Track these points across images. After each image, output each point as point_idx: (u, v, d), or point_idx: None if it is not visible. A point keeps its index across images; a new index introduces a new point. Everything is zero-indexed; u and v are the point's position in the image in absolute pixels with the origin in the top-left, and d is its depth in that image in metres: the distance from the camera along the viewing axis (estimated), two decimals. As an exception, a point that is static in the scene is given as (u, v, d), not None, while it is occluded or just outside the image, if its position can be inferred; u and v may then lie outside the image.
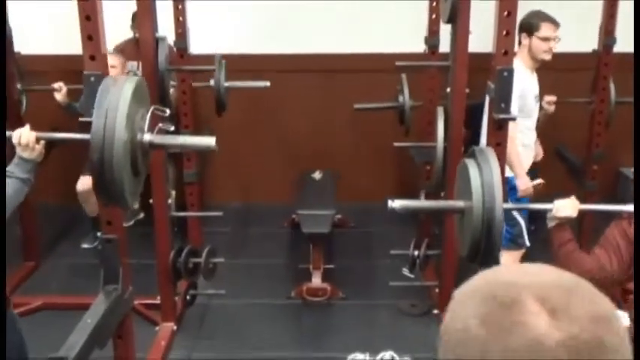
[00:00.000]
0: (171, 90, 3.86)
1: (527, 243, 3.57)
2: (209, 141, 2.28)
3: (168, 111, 2.36)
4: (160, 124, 2.26)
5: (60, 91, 4.12)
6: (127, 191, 2.08)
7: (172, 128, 2.36)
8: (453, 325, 0.75)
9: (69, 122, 3.70)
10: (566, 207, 2.54)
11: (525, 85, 3.47)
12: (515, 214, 3.50)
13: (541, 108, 3.89)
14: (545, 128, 4.08)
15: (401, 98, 4.05)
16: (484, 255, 2.27)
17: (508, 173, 3.47)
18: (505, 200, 3.43)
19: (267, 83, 3.73)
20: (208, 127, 4.54)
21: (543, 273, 0.78)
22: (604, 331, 0.72)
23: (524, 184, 3.48)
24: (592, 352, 0.70)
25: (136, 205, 2.84)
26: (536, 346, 0.70)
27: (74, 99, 4.18)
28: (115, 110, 2.00)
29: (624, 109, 3.97)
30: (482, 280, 0.78)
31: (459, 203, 2.39)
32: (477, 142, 3.48)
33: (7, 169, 2.31)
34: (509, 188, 3.47)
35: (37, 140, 2.29)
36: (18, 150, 2.30)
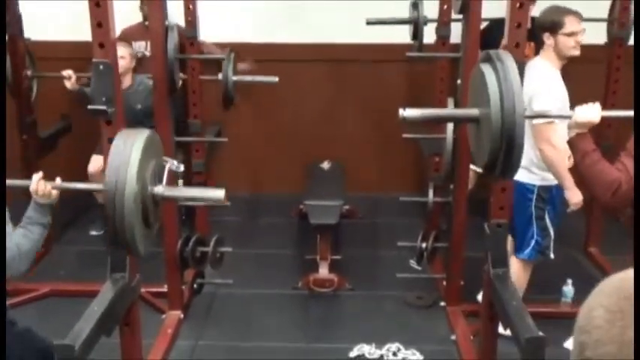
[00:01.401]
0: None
1: (552, 255, 3.39)
2: (219, 194, 2.25)
3: (182, 167, 2.38)
4: (170, 165, 2.26)
5: (69, 79, 4.12)
6: (138, 241, 2.12)
7: (182, 169, 2.39)
8: (582, 313, 0.79)
9: (79, 107, 3.72)
10: (589, 110, 2.39)
11: (558, 85, 3.27)
12: (549, 224, 3.33)
13: None
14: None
15: (415, 13, 3.96)
16: (503, 166, 2.14)
17: (546, 182, 3.29)
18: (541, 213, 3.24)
19: (276, 78, 3.65)
20: (220, 123, 4.54)
21: None
22: None
23: (577, 197, 3.22)
24: None
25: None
26: None
27: (84, 84, 4.17)
28: (125, 169, 2.04)
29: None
30: (616, 275, 0.81)
31: (474, 111, 2.25)
32: None
33: (26, 215, 2.38)
34: (550, 198, 3.31)
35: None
36: (34, 197, 2.36)
